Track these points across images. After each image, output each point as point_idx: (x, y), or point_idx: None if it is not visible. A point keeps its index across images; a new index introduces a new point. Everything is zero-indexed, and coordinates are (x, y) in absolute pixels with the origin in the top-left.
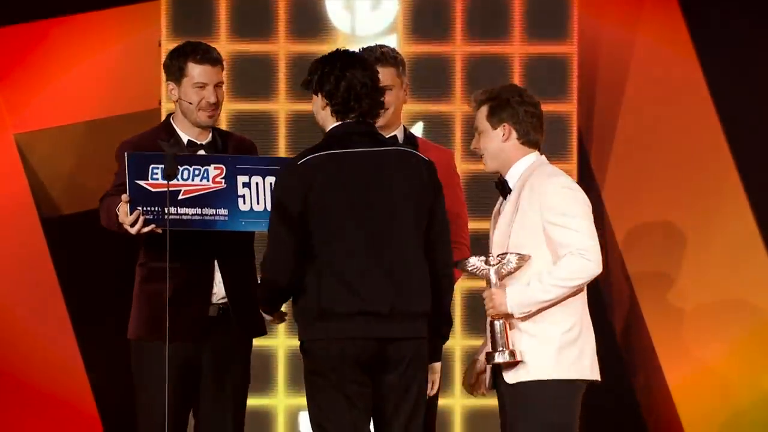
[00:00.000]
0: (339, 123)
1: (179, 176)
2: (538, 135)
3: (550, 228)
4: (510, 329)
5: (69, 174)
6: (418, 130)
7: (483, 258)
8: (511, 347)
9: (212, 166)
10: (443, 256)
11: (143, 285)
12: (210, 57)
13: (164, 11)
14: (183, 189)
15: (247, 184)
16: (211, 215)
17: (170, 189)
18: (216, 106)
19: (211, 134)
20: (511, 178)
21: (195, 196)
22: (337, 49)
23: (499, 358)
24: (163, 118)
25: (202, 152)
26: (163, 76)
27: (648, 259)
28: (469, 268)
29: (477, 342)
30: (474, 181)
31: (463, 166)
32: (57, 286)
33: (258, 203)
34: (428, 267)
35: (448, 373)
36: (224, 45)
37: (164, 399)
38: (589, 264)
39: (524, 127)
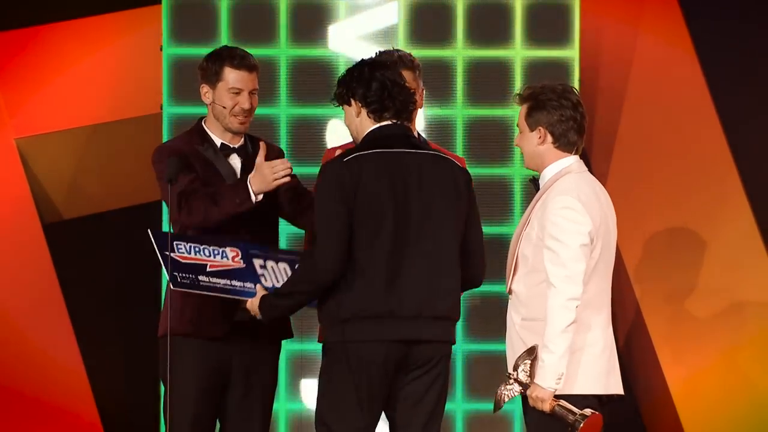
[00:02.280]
0: (377, 126)
1: (202, 252)
2: (577, 137)
3: (544, 248)
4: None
5: (70, 179)
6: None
7: (505, 384)
8: (581, 411)
9: (228, 248)
10: (476, 270)
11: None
12: (247, 63)
13: (166, 16)
14: (209, 263)
15: (263, 266)
16: (240, 286)
17: (199, 262)
18: (249, 112)
19: (243, 138)
20: (542, 180)
21: (221, 270)
22: (361, 59)
23: (580, 424)
24: (164, 123)
25: (235, 156)
26: (165, 78)
27: (648, 260)
28: (508, 400)
29: (477, 346)
30: (475, 186)
31: None
32: (59, 291)
33: (278, 282)
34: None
35: (450, 378)
36: None
37: (192, 396)
38: (559, 295)
39: (560, 131)
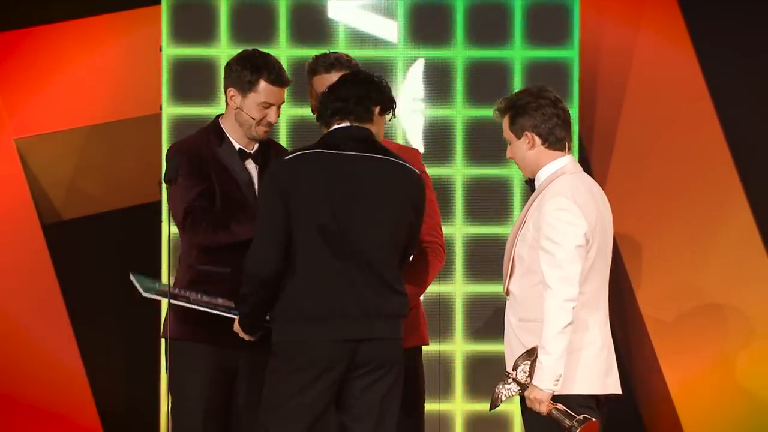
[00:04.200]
0: (336, 127)
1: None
2: (564, 133)
3: (540, 249)
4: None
5: (70, 179)
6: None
7: (503, 383)
8: (578, 416)
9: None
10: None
11: (192, 287)
12: (284, 79)
13: (165, 16)
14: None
15: None
16: (224, 309)
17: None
18: (272, 124)
19: (257, 143)
20: (538, 181)
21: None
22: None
23: (576, 429)
24: (164, 123)
25: (250, 161)
26: (164, 78)
27: (648, 261)
28: (505, 399)
29: (477, 347)
30: (474, 187)
31: (464, 171)
32: (58, 292)
33: None
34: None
35: (448, 378)
36: (225, 50)
37: (200, 402)
38: (555, 297)
39: (546, 131)
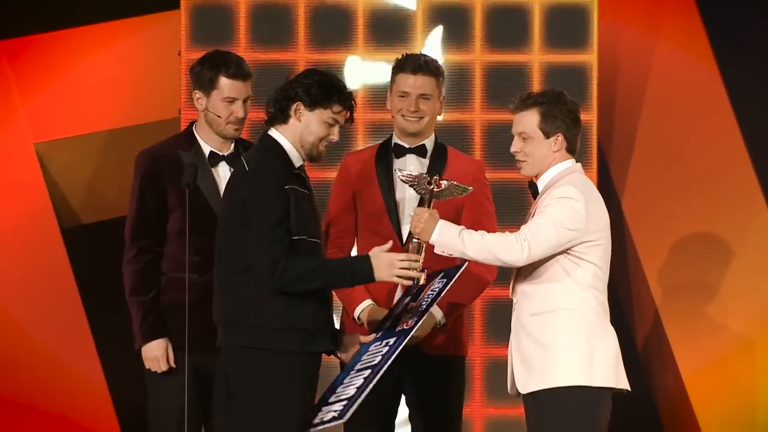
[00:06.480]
0: None
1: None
2: (578, 141)
3: (535, 215)
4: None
5: (89, 183)
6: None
7: (426, 177)
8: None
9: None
10: (257, 264)
11: (161, 294)
12: (242, 72)
13: (184, 21)
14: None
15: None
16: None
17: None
18: (243, 120)
19: (233, 145)
20: (542, 183)
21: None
22: None
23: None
24: (183, 127)
25: (224, 164)
26: (183, 82)
27: (666, 262)
28: (403, 178)
29: (496, 351)
30: (493, 191)
31: None
32: (77, 296)
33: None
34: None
35: (468, 383)
36: (244, 54)
37: (179, 408)
38: (518, 253)
39: (573, 137)
